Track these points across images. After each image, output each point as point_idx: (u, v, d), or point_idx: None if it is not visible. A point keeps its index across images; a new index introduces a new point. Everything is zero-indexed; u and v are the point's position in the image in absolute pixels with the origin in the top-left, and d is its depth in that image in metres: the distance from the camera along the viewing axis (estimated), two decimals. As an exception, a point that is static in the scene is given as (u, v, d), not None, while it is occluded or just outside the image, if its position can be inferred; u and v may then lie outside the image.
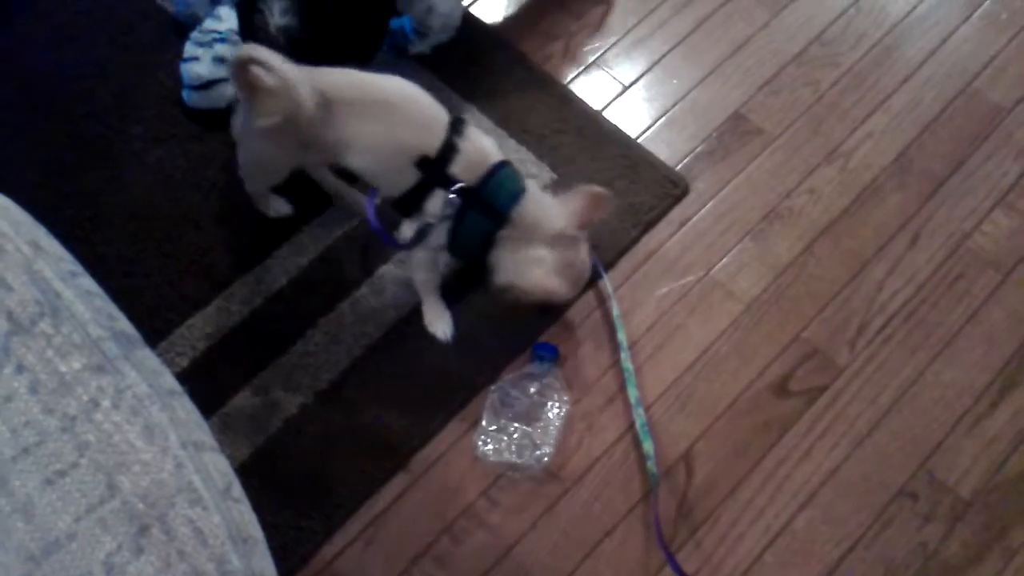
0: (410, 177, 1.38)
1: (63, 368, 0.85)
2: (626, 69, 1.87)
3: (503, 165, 1.41)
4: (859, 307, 1.61)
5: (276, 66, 1.27)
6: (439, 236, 1.42)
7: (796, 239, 1.67)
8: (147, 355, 0.93)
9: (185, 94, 1.75)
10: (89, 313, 0.91)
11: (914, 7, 1.95)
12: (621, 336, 1.55)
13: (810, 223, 1.69)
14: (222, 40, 1.72)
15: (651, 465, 1.45)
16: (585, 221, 1.44)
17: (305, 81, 1.28)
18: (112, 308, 0.96)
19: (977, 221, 1.69)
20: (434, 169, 1.36)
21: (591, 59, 1.88)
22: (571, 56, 1.88)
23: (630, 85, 1.85)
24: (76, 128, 1.76)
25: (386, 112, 1.36)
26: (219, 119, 1.75)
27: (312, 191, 1.68)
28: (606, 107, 1.82)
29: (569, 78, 1.85)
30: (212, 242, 1.65)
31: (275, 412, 1.50)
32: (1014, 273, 1.64)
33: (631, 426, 1.50)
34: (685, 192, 1.71)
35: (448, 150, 1.36)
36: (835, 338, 1.58)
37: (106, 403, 0.84)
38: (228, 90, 1.73)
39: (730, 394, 1.54)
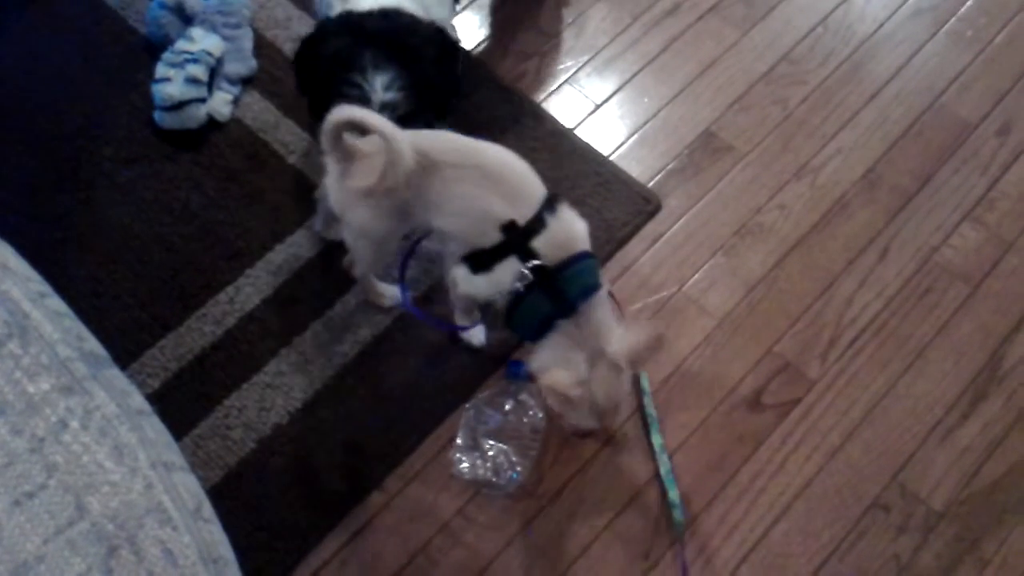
0: (491, 238, 1.32)
1: (31, 389, 0.85)
2: (598, 88, 1.88)
3: (586, 256, 1.34)
4: (830, 321, 1.62)
5: (377, 125, 1.24)
6: (498, 298, 1.37)
7: (767, 254, 1.69)
8: (116, 375, 0.93)
9: (157, 115, 1.74)
10: (58, 334, 0.90)
11: (881, 25, 1.97)
12: (644, 382, 1.54)
13: (781, 238, 1.70)
14: (194, 61, 1.72)
15: (677, 514, 1.43)
16: (636, 357, 1.33)
17: (405, 140, 1.25)
18: (81, 328, 0.96)
19: (945, 235, 1.71)
20: (518, 237, 1.31)
21: (563, 78, 1.89)
22: (543, 75, 1.90)
23: (602, 103, 1.86)
24: (46, 149, 1.75)
25: (483, 177, 1.32)
26: (191, 140, 1.75)
27: (284, 212, 1.68)
28: (578, 125, 1.83)
29: (542, 96, 1.86)
30: (183, 263, 1.64)
31: (248, 432, 1.49)
32: (982, 286, 1.66)
33: (606, 442, 1.51)
34: (657, 209, 1.73)
35: (537, 223, 1.30)
36: (807, 352, 1.59)
37: (75, 424, 0.84)
38: (200, 111, 1.73)
39: (704, 408, 1.54)
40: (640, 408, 1.53)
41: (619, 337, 1.32)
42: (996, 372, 1.58)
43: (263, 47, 1.86)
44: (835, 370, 1.58)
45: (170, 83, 1.71)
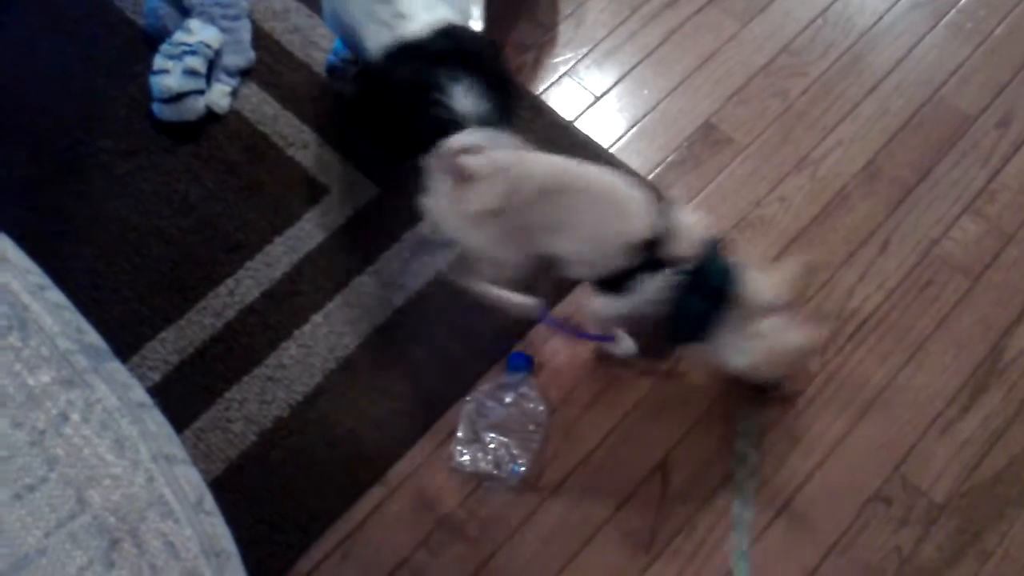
0: (618, 260, 1.33)
1: (31, 382, 0.84)
2: (597, 80, 1.87)
3: (714, 243, 1.36)
4: (830, 313, 1.62)
5: (496, 153, 1.26)
6: (646, 314, 1.38)
7: (767, 247, 1.68)
8: (116, 368, 0.93)
9: (155, 107, 1.74)
10: (58, 326, 0.90)
11: (881, 17, 1.97)
12: (749, 515, 1.47)
13: (781, 231, 1.70)
14: (192, 53, 1.71)
15: None
16: (794, 293, 1.38)
17: (519, 165, 1.26)
18: (81, 321, 0.95)
19: (946, 228, 1.71)
20: (650, 254, 1.32)
21: (562, 70, 1.89)
22: (542, 67, 1.89)
23: (601, 96, 1.86)
24: (44, 141, 1.75)
25: (595, 200, 1.32)
26: (189, 132, 1.74)
27: (283, 204, 1.68)
28: (578, 118, 1.82)
29: (541, 89, 1.86)
30: (183, 255, 1.64)
31: (249, 426, 1.49)
32: (982, 278, 1.66)
33: (608, 433, 1.50)
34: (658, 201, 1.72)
35: (661, 234, 1.32)
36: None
37: (75, 417, 0.84)
38: (198, 103, 1.73)
39: (705, 401, 1.54)
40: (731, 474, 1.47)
41: (768, 284, 1.36)
42: (997, 364, 1.58)
43: (261, 39, 1.86)
44: (836, 363, 1.57)
45: (168, 75, 1.70)
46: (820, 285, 1.64)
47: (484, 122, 1.39)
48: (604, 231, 1.33)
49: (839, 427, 1.52)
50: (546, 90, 1.86)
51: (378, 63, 1.47)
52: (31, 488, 0.79)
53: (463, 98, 1.39)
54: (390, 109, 1.48)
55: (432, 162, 1.30)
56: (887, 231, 1.70)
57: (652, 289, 1.34)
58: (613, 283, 1.37)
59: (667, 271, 1.32)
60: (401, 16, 1.44)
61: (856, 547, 1.43)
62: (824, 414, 1.53)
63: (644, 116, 1.83)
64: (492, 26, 1.90)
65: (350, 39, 1.61)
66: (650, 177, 1.75)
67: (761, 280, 1.37)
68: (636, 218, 1.32)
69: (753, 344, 1.37)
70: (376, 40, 1.47)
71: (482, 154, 1.28)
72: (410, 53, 1.43)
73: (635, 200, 1.33)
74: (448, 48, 1.43)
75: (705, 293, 1.34)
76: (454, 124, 1.38)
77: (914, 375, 1.57)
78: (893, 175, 1.76)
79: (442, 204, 1.35)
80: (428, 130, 1.40)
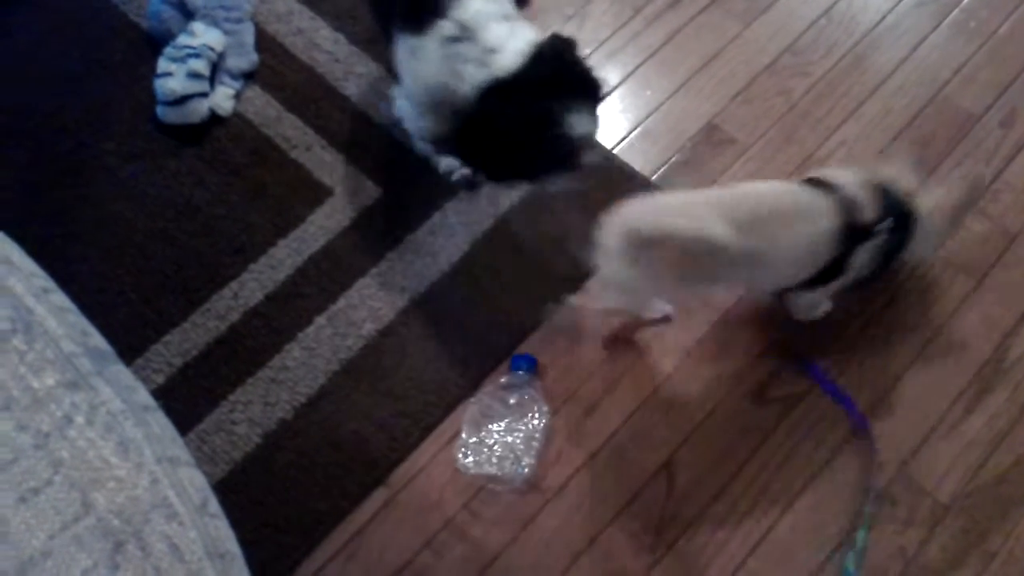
0: (824, 257, 1.39)
1: (36, 384, 0.85)
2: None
3: (885, 188, 1.42)
4: (835, 313, 1.61)
5: (681, 229, 1.27)
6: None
7: (772, 247, 1.68)
8: (121, 370, 0.93)
9: (159, 110, 1.74)
10: (62, 329, 0.90)
11: (884, 16, 1.97)
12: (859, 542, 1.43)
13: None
14: (196, 55, 1.71)
15: None
16: (958, 213, 1.52)
17: (712, 226, 1.27)
18: (85, 324, 0.95)
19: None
20: (851, 232, 1.37)
21: (565, 71, 1.88)
22: (546, 68, 1.89)
23: (604, 97, 1.85)
24: (48, 145, 1.75)
25: (783, 217, 1.36)
26: (193, 134, 1.75)
27: (287, 207, 1.68)
28: (581, 118, 1.82)
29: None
30: (187, 258, 1.64)
31: (253, 428, 1.49)
32: (987, 279, 1.65)
33: (612, 434, 1.50)
34: (661, 202, 1.72)
35: (850, 210, 1.37)
36: (812, 344, 1.59)
37: (80, 419, 0.84)
38: (202, 105, 1.73)
39: (710, 401, 1.54)
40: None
41: (940, 195, 1.48)
42: (1001, 364, 1.58)
43: (265, 41, 1.86)
44: (842, 362, 1.57)
45: (172, 78, 1.71)
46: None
47: (591, 137, 1.42)
48: (802, 242, 1.36)
49: (843, 427, 1.52)
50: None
51: (482, 104, 1.41)
52: (36, 491, 0.79)
53: (579, 122, 1.38)
54: (501, 147, 1.45)
55: (607, 233, 1.32)
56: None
57: (864, 257, 1.41)
58: (827, 275, 1.42)
59: (871, 236, 1.39)
60: (492, 51, 1.39)
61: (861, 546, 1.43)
62: (828, 414, 1.53)
63: (647, 117, 1.83)
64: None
65: (435, 101, 1.52)
66: (653, 178, 1.75)
67: (932, 198, 1.47)
68: (824, 213, 1.36)
69: (937, 234, 1.51)
70: (472, 82, 1.40)
71: (656, 217, 1.30)
72: (513, 89, 1.38)
73: (813, 197, 1.38)
74: (542, 74, 1.39)
75: (899, 228, 1.42)
76: (575, 148, 1.39)
77: (919, 375, 1.56)
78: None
79: (622, 272, 1.34)
80: (547, 160, 1.42)
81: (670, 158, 1.77)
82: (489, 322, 1.59)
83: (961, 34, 1.94)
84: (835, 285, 1.45)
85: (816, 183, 1.41)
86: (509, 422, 1.48)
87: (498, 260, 1.65)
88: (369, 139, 1.76)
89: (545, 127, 1.39)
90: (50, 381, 0.85)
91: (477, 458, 1.47)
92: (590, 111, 1.41)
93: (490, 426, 1.48)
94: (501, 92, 1.39)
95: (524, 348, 1.57)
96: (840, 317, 1.60)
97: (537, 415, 1.49)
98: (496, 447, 1.47)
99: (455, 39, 1.41)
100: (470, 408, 1.51)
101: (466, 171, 1.69)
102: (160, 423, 0.91)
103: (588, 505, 1.46)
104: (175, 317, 1.58)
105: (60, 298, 0.97)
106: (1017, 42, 1.93)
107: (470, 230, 1.67)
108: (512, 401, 1.50)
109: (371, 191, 1.70)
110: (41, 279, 0.98)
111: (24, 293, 0.91)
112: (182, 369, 1.54)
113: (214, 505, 0.90)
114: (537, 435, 1.48)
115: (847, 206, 1.37)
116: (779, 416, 1.53)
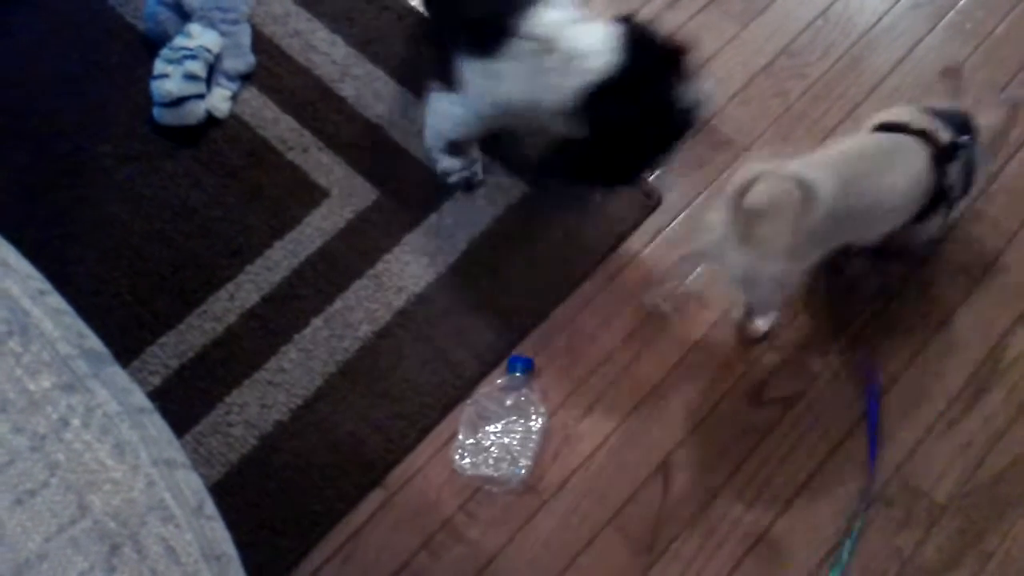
0: (926, 186, 1.42)
1: (32, 387, 0.84)
2: (597, 82, 1.87)
3: (949, 110, 1.49)
4: (832, 312, 1.62)
5: (791, 173, 1.28)
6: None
7: (768, 248, 1.68)
8: (117, 372, 0.93)
9: (155, 111, 1.74)
10: (58, 331, 0.90)
11: (880, 18, 1.97)
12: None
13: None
14: (192, 57, 1.71)
15: None
16: (997, 138, 1.58)
17: (818, 179, 1.28)
18: (81, 326, 0.95)
19: (947, 228, 1.70)
20: (942, 155, 1.43)
21: (562, 72, 1.88)
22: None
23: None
24: (44, 146, 1.75)
25: (884, 164, 1.40)
26: (190, 136, 1.74)
27: (283, 208, 1.68)
28: (578, 120, 1.82)
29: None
30: (183, 260, 1.64)
31: (250, 429, 1.49)
32: (984, 279, 1.66)
33: (609, 435, 1.50)
34: (658, 203, 1.72)
35: (930, 137, 1.43)
36: (809, 344, 1.59)
37: (76, 422, 0.84)
38: (198, 107, 1.73)
39: (707, 402, 1.54)
40: None
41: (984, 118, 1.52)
42: (998, 365, 1.58)
43: (261, 43, 1.86)
44: (838, 363, 1.58)
45: (168, 79, 1.70)
46: (824, 282, 1.64)
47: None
48: (907, 180, 1.41)
49: (840, 428, 1.52)
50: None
51: (595, 110, 1.37)
52: (32, 493, 0.79)
53: (693, 91, 1.38)
54: (629, 144, 1.42)
55: (724, 208, 1.32)
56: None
57: (955, 175, 1.46)
58: (931, 206, 1.46)
59: (957, 153, 1.44)
60: (579, 56, 1.35)
61: (858, 548, 1.43)
62: (825, 414, 1.53)
63: (644, 118, 1.83)
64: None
65: (514, 117, 1.52)
66: (651, 179, 1.75)
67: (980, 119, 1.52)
68: (912, 147, 1.42)
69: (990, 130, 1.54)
70: (562, 91, 1.37)
71: (767, 180, 1.29)
72: (622, 84, 1.35)
73: (896, 138, 1.43)
74: (646, 59, 1.37)
75: (974, 144, 1.48)
76: (695, 118, 1.39)
77: (916, 376, 1.57)
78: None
79: (732, 254, 1.35)
80: (673, 140, 1.42)
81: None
82: (486, 324, 1.59)
83: (957, 35, 1.94)
84: (940, 213, 1.49)
85: (887, 127, 1.45)
86: (506, 423, 1.49)
87: (495, 262, 1.65)
88: (366, 141, 1.76)
89: (669, 109, 1.38)
90: (46, 383, 0.85)
91: (474, 459, 1.47)
92: (693, 77, 1.39)
93: (487, 427, 1.48)
94: (612, 91, 1.35)
95: (521, 350, 1.57)
96: (838, 317, 1.61)
97: (534, 416, 1.49)
98: (493, 448, 1.47)
99: (537, 55, 1.37)
100: (467, 409, 1.51)
101: (465, 173, 1.68)
102: (156, 425, 0.91)
103: (585, 506, 1.46)
104: (171, 319, 1.58)
105: (56, 300, 0.97)
106: (1012, 43, 1.93)
107: (467, 232, 1.67)
108: (509, 402, 1.50)
109: (368, 193, 1.70)
110: (37, 281, 0.98)
111: (20, 295, 0.91)
112: (178, 371, 1.54)
113: (210, 507, 0.89)
114: (534, 436, 1.48)
115: (926, 135, 1.42)
116: (776, 417, 1.53)
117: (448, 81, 1.55)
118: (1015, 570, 1.42)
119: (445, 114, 1.61)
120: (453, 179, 1.69)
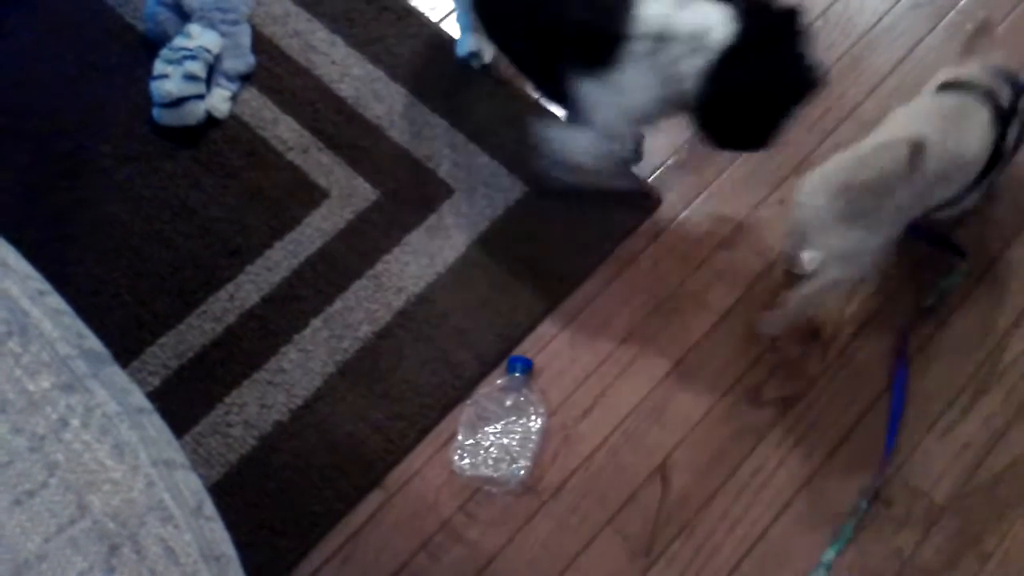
0: (990, 144, 1.43)
1: (31, 387, 0.85)
2: (597, 82, 1.87)
3: (996, 67, 1.50)
4: (831, 314, 1.62)
5: (893, 137, 1.34)
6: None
7: (767, 249, 1.68)
8: (116, 373, 0.93)
9: (155, 112, 1.74)
10: (58, 331, 0.90)
11: (881, 18, 1.97)
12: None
13: (781, 233, 1.70)
14: (192, 57, 1.71)
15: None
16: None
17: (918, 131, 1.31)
18: (81, 326, 0.95)
19: (947, 228, 1.71)
20: (1004, 115, 1.44)
21: (562, 73, 1.88)
22: (542, 70, 1.89)
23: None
24: (44, 147, 1.75)
25: (955, 124, 1.41)
26: (189, 137, 1.74)
27: (283, 209, 1.68)
28: (577, 120, 1.82)
29: (541, 94, 1.85)
30: (183, 260, 1.64)
31: (249, 430, 1.49)
32: (983, 280, 1.66)
33: (608, 436, 1.51)
34: (657, 204, 1.72)
35: (992, 96, 1.43)
36: (807, 346, 1.59)
37: (75, 422, 0.84)
38: (198, 107, 1.73)
39: (705, 404, 1.54)
40: None
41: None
42: (997, 366, 1.58)
43: (261, 43, 1.86)
44: (836, 364, 1.58)
45: (168, 80, 1.70)
46: (820, 287, 1.64)
47: None
48: (976, 138, 1.42)
49: (839, 428, 1.52)
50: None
51: (721, 84, 1.35)
52: (31, 494, 0.79)
53: (810, 45, 1.37)
54: (767, 105, 1.41)
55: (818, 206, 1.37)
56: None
57: (1013, 135, 1.47)
58: (993, 161, 1.46)
59: (1017, 112, 1.46)
60: (699, 35, 1.33)
61: (856, 549, 1.43)
62: (824, 415, 1.53)
63: (643, 119, 1.83)
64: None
65: (650, 117, 1.51)
66: (650, 180, 1.75)
67: None
68: (978, 106, 1.42)
69: None
70: (691, 75, 1.35)
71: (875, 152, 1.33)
72: (749, 50, 1.34)
73: (962, 98, 1.44)
74: (763, 22, 1.35)
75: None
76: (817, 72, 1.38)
77: (915, 377, 1.57)
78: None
79: (846, 235, 1.38)
80: (796, 101, 1.40)
81: (666, 160, 1.78)
82: (486, 324, 1.59)
83: (957, 35, 1.94)
84: (995, 174, 1.51)
85: (951, 86, 1.46)
86: (505, 424, 1.49)
87: (495, 262, 1.65)
88: (366, 141, 1.76)
89: (796, 67, 1.37)
90: (45, 384, 0.85)
91: (473, 460, 1.47)
92: (808, 34, 1.38)
93: (486, 428, 1.49)
94: (738, 59, 1.34)
95: (520, 350, 1.58)
96: (831, 315, 1.61)
97: (533, 417, 1.49)
98: (492, 449, 1.47)
99: (656, 50, 1.36)
100: (466, 410, 1.51)
101: (625, 154, 1.69)
102: (156, 426, 0.91)
103: (584, 507, 1.46)
104: (171, 319, 1.58)
105: (56, 300, 0.97)
106: (1012, 44, 1.93)
107: (466, 232, 1.67)
108: (508, 403, 1.50)
109: (367, 193, 1.71)
110: (37, 281, 0.98)
111: (20, 296, 0.91)
112: (178, 371, 1.54)
113: (209, 508, 0.90)
114: (533, 437, 1.48)
115: (989, 93, 1.43)
116: (774, 418, 1.53)
117: (565, 112, 1.54)
118: (1014, 571, 1.42)
119: (576, 147, 1.59)
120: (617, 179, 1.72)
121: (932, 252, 1.67)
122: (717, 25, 1.33)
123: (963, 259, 1.64)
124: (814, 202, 1.38)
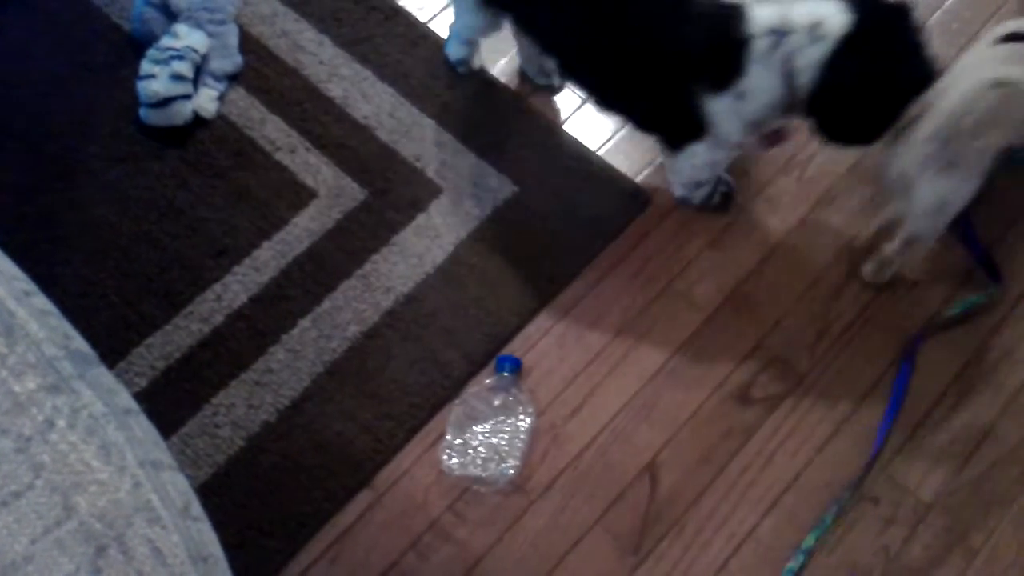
0: None
1: (17, 388, 0.84)
2: (585, 82, 1.87)
3: None
4: (818, 313, 1.62)
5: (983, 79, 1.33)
6: None
7: (755, 247, 1.69)
8: (102, 373, 0.92)
9: (142, 112, 1.74)
10: (44, 332, 0.90)
11: (866, 19, 1.97)
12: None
13: (768, 231, 1.70)
14: (179, 57, 1.71)
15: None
16: None
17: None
18: (67, 327, 0.95)
19: (933, 227, 1.71)
20: None
21: (550, 73, 1.89)
22: (530, 70, 1.89)
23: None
24: (31, 147, 1.74)
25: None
26: (177, 137, 1.74)
27: (270, 209, 1.68)
28: (566, 120, 1.83)
29: (528, 92, 1.86)
30: (170, 260, 1.63)
31: (237, 430, 1.49)
32: (971, 279, 1.66)
33: (597, 435, 1.51)
34: (646, 204, 1.73)
35: None
36: (795, 345, 1.60)
37: (61, 423, 0.83)
38: (185, 107, 1.73)
39: (693, 403, 1.55)
40: None
41: None
42: (983, 364, 1.59)
43: (249, 43, 1.85)
44: (824, 363, 1.58)
45: (155, 80, 1.70)
46: (808, 285, 1.65)
47: None
48: None
49: (826, 427, 1.53)
50: (533, 92, 1.86)
51: (842, 75, 1.35)
52: (17, 495, 0.79)
53: (923, 33, 1.38)
54: (878, 96, 1.39)
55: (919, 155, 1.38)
56: (875, 232, 1.70)
57: None
58: None
59: None
60: (817, 24, 1.34)
61: (843, 547, 1.43)
62: (812, 414, 1.54)
63: (631, 118, 1.83)
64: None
65: (770, 118, 1.50)
66: (638, 179, 1.75)
67: None
68: None
69: None
70: (810, 68, 1.35)
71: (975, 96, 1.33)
72: (871, 37, 1.34)
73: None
74: (878, 8, 1.36)
75: None
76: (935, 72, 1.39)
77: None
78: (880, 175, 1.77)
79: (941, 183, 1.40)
80: (914, 92, 1.39)
81: (654, 160, 1.78)
82: (474, 323, 1.59)
83: (943, 35, 1.94)
84: None
85: (1016, 37, 1.45)
86: (494, 423, 1.49)
87: (483, 262, 1.65)
88: (354, 141, 1.76)
89: (915, 56, 1.37)
90: (31, 385, 0.85)
91: (462, 459, 1.47)
92: (923, 27, 1.40)
93: (475, 427, 1.49)
94: (857, 47, 1.34)
95: (509, 349, 1.58)
96: (822, 318, 1.61)
97: (522, 416, 1.49)
98: (481, 448, 1.47)
99: (776, 44, 1.36)
100: (455, 410, 1.51)
101: (723, 188, 1.71)
102: (142, 426, 0.91)
103: (573, 506, 1.46)
104: (158, 320, 1.58)
105: (42, 301, 0.97)
106: (998, 44, 1.94)
107: (455, 232, 1.67)
108: (497, 402, 1.50)
109: (356, 193, 1.70)
110: (23, 282, 0.97)
111: (5, 296, 0.91)
112: (165, 372, 1.54)
113: (197, 508, 0.89)
114: (522, 436, 1.48)
115: None
116: (762, 417, 1.53)
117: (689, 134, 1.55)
118: (1000, 567, 1.42)
119: (696, 165, 1.60)
120: (715, 200, 1.71)
121: (958, 264, 1.68)
122: (833, 15, 1.34)
123: (996, 283, 1.64)
124: (917, 152, 1.38)
